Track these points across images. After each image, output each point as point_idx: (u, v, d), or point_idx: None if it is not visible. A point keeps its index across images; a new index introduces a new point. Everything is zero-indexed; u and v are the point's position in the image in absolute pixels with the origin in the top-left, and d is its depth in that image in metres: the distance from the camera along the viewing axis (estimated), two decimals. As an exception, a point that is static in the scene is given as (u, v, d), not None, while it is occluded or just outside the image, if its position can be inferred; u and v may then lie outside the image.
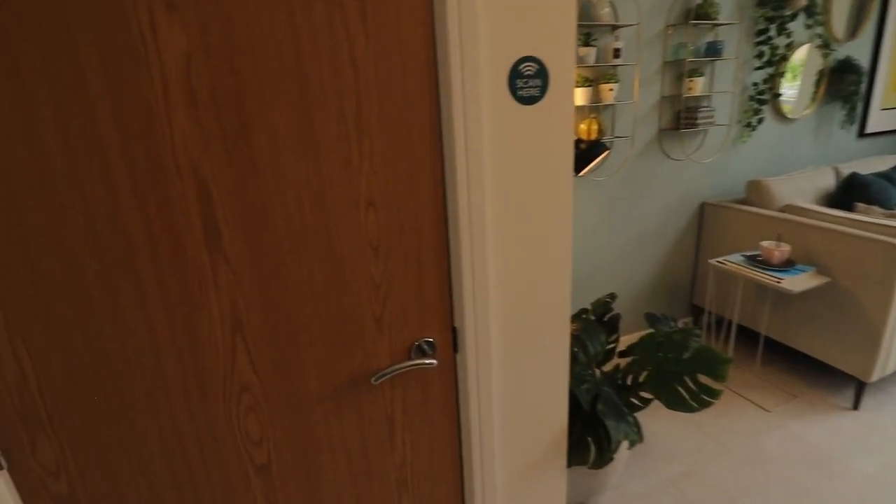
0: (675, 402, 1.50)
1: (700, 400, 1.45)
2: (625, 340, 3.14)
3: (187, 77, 0.73)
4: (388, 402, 1.02)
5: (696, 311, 3.32)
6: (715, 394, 1.43)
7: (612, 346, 2.02)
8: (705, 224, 3.10)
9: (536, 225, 1.04)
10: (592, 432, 1.35)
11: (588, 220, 2.74)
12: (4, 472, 0.77)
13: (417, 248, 0.94)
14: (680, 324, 3.18)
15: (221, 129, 0.76)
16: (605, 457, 1.31)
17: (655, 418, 2.47)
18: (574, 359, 1.38)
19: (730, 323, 2.98)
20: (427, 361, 0.95)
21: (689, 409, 1.46)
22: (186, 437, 0.87)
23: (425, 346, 1.01)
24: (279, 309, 0.87)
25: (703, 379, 1.48)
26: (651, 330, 1.84)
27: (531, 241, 1.05)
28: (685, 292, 3.28)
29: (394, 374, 0.95)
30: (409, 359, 1.01)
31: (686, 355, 1.50)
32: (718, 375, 1.43)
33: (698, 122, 2.70)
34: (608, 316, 2.12)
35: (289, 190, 0.82)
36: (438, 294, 0.99)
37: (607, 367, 2.02)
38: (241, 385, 0.89)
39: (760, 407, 2.50)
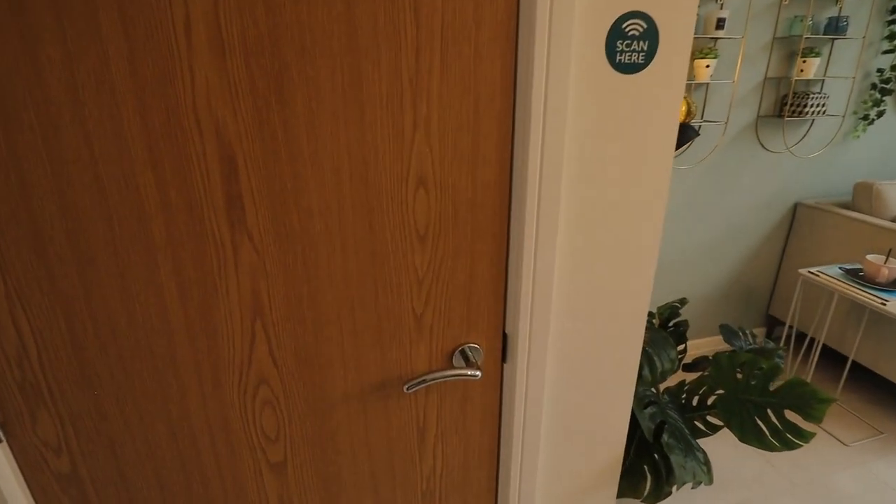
0: (752, 437, 1.30)
1: (784, 439, 1.24)
2: (692, 347, 2.89)
3: (214, 15, 0.60)
4: (422, 408, 0.90)
5: (772, 323, 2.99)
6: (805, 436, 1.22)
7: (680, 357, 1.81)
8: (797, 227, 2.75)
9: (620, 220, 0.86)
10: (650, 461, 1.18)
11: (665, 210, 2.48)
12: (4, 445, 0.71)
13: (471, 240, 0.79)
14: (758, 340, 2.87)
15: (251, 80, 0.63)
16: (661, 491, 1.15)
17: (712, 439, 2.25)
18: (638, 375, 1.21)
19: (812, 341, 2.66)
20: (469, 373, 0.81)
21: (769, 448, 1.26)
22: (197, 427, 0.79)
23: (469, 353, 0.87)
24: (306, 297, 0.75)
25: (789, 415, 1.26)
26: (725, 344, 1.62)
27: (611, 241, 0.87)
28: (762, 301, 2.96)
29: (429, 383, 0.82)
30: (450, 366, 0.88)
31: (773, 385, 1.29)
32: (813, 416, 1.21)
33: (807, 109, 2.34)
34: (674, 322, 1.91)
35: (326, 160, 0.69)
36: (491, 294, 0.84)
37: (671, 383, 1.82)
38: (258, 377, 0.78)
39: (837, 440, 2.21)
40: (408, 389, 0.79)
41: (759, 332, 3.04)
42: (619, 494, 1.16)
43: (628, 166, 0.83)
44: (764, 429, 1.29)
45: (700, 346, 2.90)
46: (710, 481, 1.18)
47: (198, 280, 0.70)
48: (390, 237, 0.75)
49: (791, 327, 2.77)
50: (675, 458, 1.12)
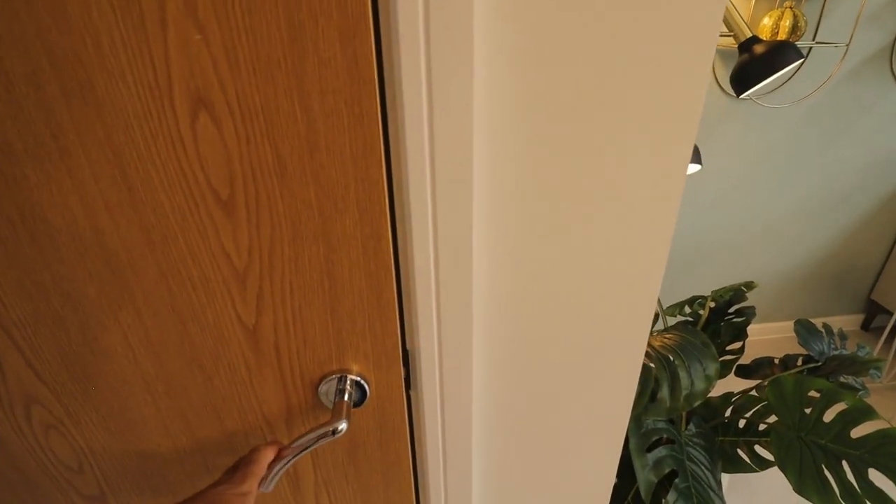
0: (811, 490, 0.91)
1: (857, 502, 0.85)
2: (757, 332, 2.40)
3: None
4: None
5: (873, 310, 2.41)
6: (895, 511, 0.82)
7: (728, 357, 1.40)
8: (928, 193, 2.11)
9: (589, 145, 0.49)
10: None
11: (738, 165, 1.95)
12: None
13: (321, 213, 0.46)
14: (847, 343, 2.32)
15: None
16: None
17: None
18: (652, 397, 0.85)
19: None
20: (327, 430, 0.50)
21: (836, 512, 0.88)
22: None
23: (346, 385, 0.55)
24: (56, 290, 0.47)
25: (874, 474, 0.86)
26: (801, 349, 1.20)
27: (575, 185, 0.51)
28: (865, 283, 2.37)
29: (281, 470, 0.52)
30: (315, 400, 0.57)
31: (856, 433, 0.88)
32: (914, 490, 0.81)
33: (976, 29, 1.67)
34: (736, 308, 1.48)
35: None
36: (373, 296, 0.51)
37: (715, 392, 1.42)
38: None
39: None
40: (265, 488, 0.50)
41: (854, 319, 2.48)
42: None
43: (610, 80, 0.44)
44: (833, 485, 0.91)
45: (768, 333, 2.40)
46: None
47: None
48: (167, 199, 0.43)
49: (891, 313, 2.19)
50: None
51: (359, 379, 0.56)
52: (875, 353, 2.25)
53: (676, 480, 0.85)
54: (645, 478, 0.82)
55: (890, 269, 2.29)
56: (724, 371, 1.37)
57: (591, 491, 0.71)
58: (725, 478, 1.50)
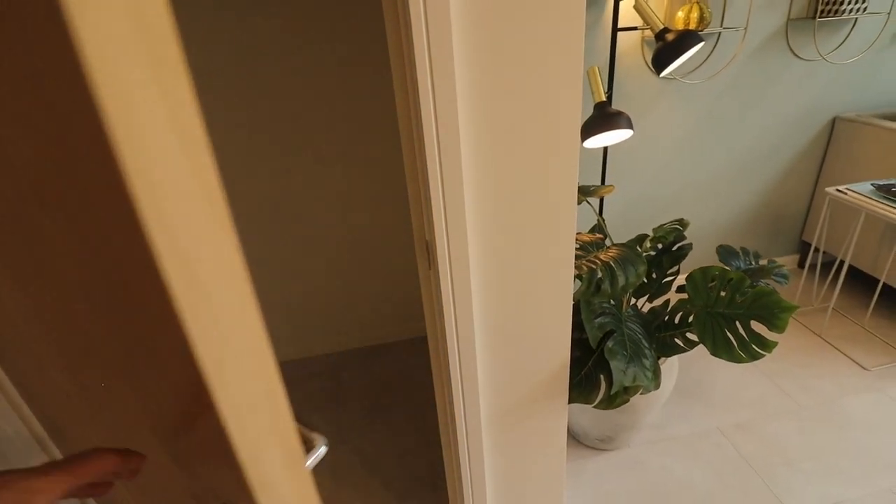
0: (721, 349, 1.28)
1: (749, 350, 1.22)
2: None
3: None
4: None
5: (806, 249, 2.83)
6: (767, 345, 1.19)
7: (669, 279, 1.78)
8: (834, 144, 2.53)
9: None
10: (605, 371, 1.20)
11: (674, 133, 2.35)
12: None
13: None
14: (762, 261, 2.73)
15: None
16: (615, 399, 1.18)
17: (715, 361, 2.22)
18: (597, 289, 1.21)
19: (841, 264, 2.50)
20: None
21: (736, 360, 1.24)
22: None
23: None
24: None
25: (756, 326, 1.24)
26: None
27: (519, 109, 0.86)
28: (795, 226, 2.79)
29: None
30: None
31: (740, 297, 1.25)
32: (775, 325, 1.18)
33: (844, 6, 2.09)
34: (679, 246, 1.86)
35: None
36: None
37: (659, 302, 1.79)
38: None
39: (857, 364, 2.13)
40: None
41: (792, 259, 2.89)
42: (573, 400, 1.20)
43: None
44: (733, 341, 1.28)
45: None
46: (656, 387, 1.19)
47: None
48: None
49: (818, 250, 2.61)
50: (615, 364, 1.13)
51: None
52: (801, 284, 2.67)
53: (615, 334, 1.22)
54: (593, 333, 1.19)
55: (813, 213, 2.70)
56: (666, 290, 1.75)
57: (556, 332, 1.07)
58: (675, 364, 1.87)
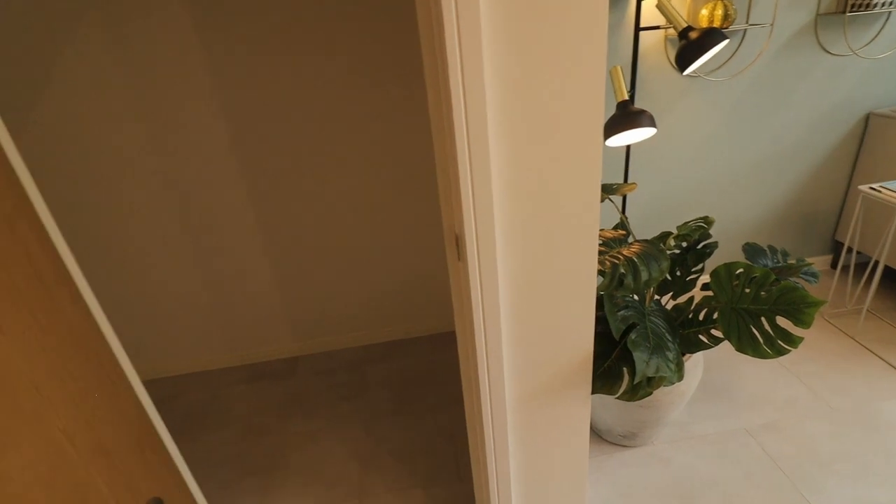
0: (746, 345, 1.28)
1: (775, 346, 1.21)
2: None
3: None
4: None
5: (839, 249, 2.76)
6: (793, 341, 1.19)
7: (693, 276, 1.77)
8: (868, 140, 2.47)
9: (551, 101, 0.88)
10: (628, 363, 1.22)
11: (699, 131, 2.34)
12: None
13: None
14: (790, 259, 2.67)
15: None
16: (638, 390, 1.19)
17: (745, 359, 2.20)
18: (620, 283, 1.23)
19: (876, 264, 2.44)
20: None
21: (762, 355, 1.24)
22: None
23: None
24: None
25: (781, 321, 1.23)
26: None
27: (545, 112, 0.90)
28: (827, 226, 2.73)
29: None
30: None
31: (765, 293, 1.25)
32: (801, 320, 1.17)
33: (876, 0, 2.05)
34: (704, 244, 1.86)
35: None
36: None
37: (683, 300, 1.79)
38: None
39: (893, 367, 2.07)
40: None
41: (824, 260, 2.83)
42: (596, 391, 1.22)
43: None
44: (758, 336, 1.28)
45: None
46: (679, 378, 1.19)
47: None
48: None
49: (851, 250, 2.54)
50: (638, 355, 1.14)
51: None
52: (834, 285, 2.61)
53: (638, 327, 1.23)
54: (616, 325, 1.20)
55: (847, 212, 2.64)
56: (690, 287, 1.75)
57: (581, 324, 1.09)
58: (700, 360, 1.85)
